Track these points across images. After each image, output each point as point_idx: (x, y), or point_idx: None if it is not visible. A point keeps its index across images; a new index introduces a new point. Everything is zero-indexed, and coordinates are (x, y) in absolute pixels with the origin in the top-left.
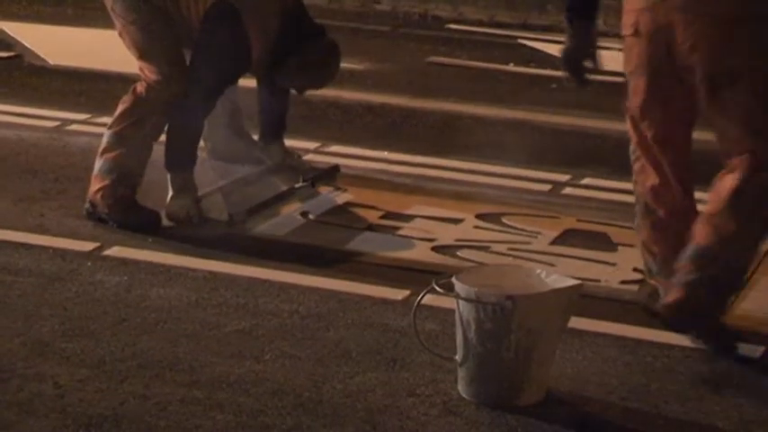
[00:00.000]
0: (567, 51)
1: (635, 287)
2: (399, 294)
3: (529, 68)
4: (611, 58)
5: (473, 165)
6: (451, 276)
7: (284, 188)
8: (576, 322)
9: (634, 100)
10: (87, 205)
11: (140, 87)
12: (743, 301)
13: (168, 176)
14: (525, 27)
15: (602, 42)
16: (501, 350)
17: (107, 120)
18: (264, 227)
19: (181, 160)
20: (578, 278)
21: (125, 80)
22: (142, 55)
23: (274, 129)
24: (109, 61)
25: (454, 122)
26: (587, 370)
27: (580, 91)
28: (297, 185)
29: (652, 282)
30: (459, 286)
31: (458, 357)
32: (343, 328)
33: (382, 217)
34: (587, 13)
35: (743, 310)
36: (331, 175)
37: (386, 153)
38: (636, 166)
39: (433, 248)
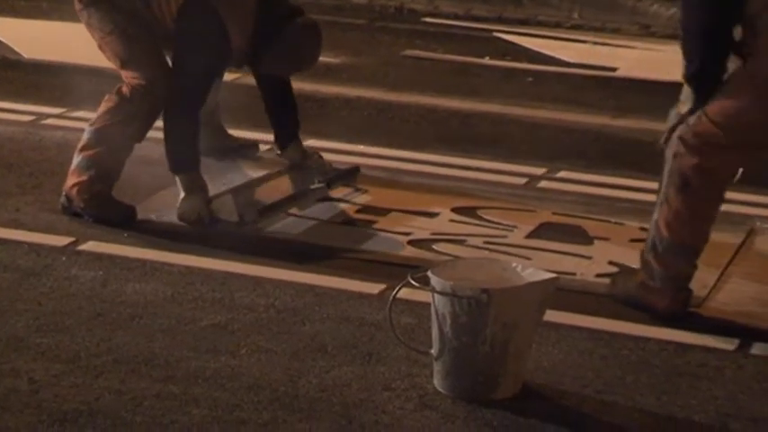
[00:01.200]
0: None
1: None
2: (375, 288)
3: (504, 62)
4: (587, 51)
5: (449, 158)
6: (427, 270)
7: (299, 189)
8: (552, 315)
9: None
10: (63, 199)
11: (126, 89)
12: (718, 294)
13: (176, 179)
14: (501, 20)
15: (577, 35)
16: (477, 344)
17: (82, 114)
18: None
19: (183, 161)
20: (554, 271)
21: (100, 74)
22: (124, 64)
23: (287, 129)
24: (84, 55)
25: (430, 116)
26: (563, 363)
27: (556, 84)
28: (312, 186)
29: None
30: (434, 280)
31: (433, 351)
32: (319, 322)
33: (358, 211)
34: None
35: (718, 303)
36: (351, 175)
37: (362, 147)
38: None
39: (409, 242)
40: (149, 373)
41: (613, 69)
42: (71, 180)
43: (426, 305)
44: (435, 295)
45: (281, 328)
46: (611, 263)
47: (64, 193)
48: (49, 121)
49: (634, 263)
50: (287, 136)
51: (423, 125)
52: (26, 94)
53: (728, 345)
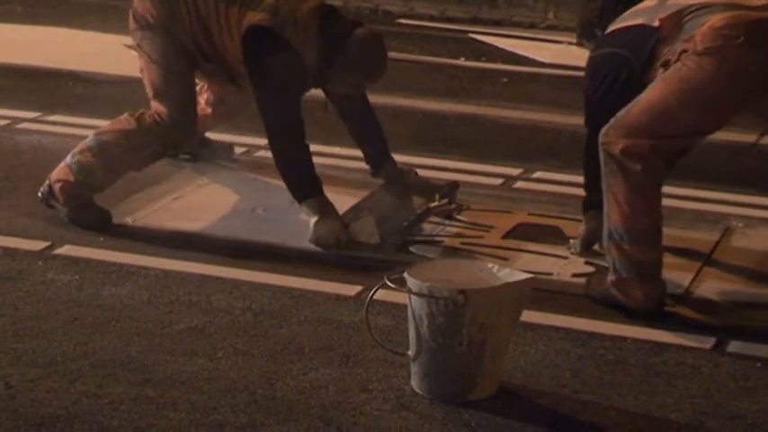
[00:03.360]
0: (585, 236)
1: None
2: (352, 290)
3: (480, 63)
4: (562, 52)
5: (425, 159)
6: (404, 271)
7: (421, 208)
8: (529, 316)
9: None
10: (44, 188)
11: (148, 119)
12: (694, 293)
13: (302, 207)
14: (476, 21)
15: (552, 36)
16: (454, 345)
17: (58, 118)
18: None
19: (307, 188)
20: (530, 272)
21: (75, 78)
22: (156, 95)
23: (376, 147)
24: (58, 59)
25: (406, 117)
26: (540, 363)
27: (531, 84)
28: (433, 204)
29: None
30: (411, 281)
31: (411, 352)
32: (296, 324)
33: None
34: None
35: (694, 302)
36: (452, 191)
37: (338, 149)
38: None
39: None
40: (126, 377)
41: None
42: (58, 174)
43: (403, 306)
44: (412, 297)
45: (258, 331)
46: (587, 263)
47: (47, 182)
48: (24, 125)
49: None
50: (378, 155)
51: (398, 126)
52: (1, 99)
53: (705, 343)
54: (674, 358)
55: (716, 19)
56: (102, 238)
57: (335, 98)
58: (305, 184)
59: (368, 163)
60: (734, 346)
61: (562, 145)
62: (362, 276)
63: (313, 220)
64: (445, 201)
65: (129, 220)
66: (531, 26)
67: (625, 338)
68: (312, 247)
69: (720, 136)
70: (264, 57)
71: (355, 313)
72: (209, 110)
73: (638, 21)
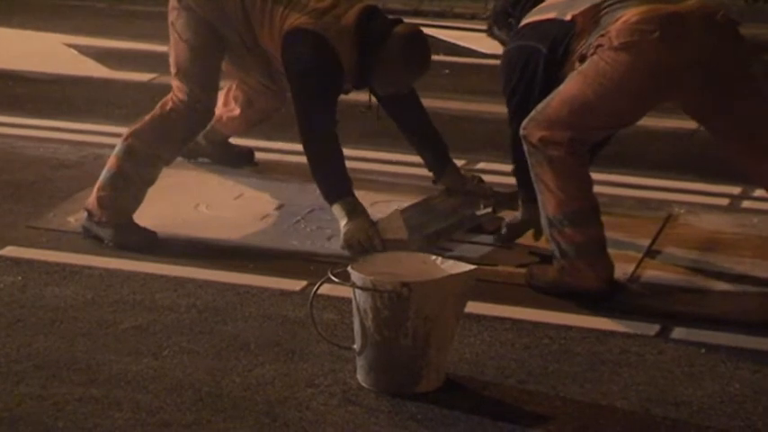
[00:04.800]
0: (512, 224)
1: None
2: (297, 285)
3: None
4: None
5: (366, 152)
6: (348, 265)
7: (464, 215)
8: (474, 307)
9: None
10: (84, 218)
11: (170, 102)
12: (638, 280)
13: (333, 209)
14: (417, 13)
15: None
16: (399, 337)
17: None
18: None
19: (337, 189)
20: (474, 263)
21: (16, 77)
22: (178, 72)
23: (436, 154)
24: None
25: (349, 111)
26: (485, 354)
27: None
28: (479, 212)
29: None
30: (355, 275)
31: (356, 346)
32: (241, 320)
33: (277, 208)
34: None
35: (637, 289)
36: (513, 200)
37: (280, 143)
38: None
39: (329, 238)
40: (71, 378)
41: None
42: (94, 194)
43: (348, 301)
44: (356, 290)
45: (202, 328)
46: (531, 252)
47: (84, 209)
48: None
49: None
50: (439, 162)
51: (342, 120)
52: None
53: (649, 330)
54: (619, 346)
55: (630, 14)
56: (45, 239)
57: (386, 103)
58: (335, 186)
59: (429, 170)
60: (678, 333)
61: (505, 135)
62: (307, 271)
63: (342, 222)
64: (489, 210)
65: (71, 220)
66: (473, 17)
67: (570, 327)
68: (256, 242)
69: (661, 123)
70: (304, 59)
71: (300, 308)
72: (237, 110)
73: (551, 15)
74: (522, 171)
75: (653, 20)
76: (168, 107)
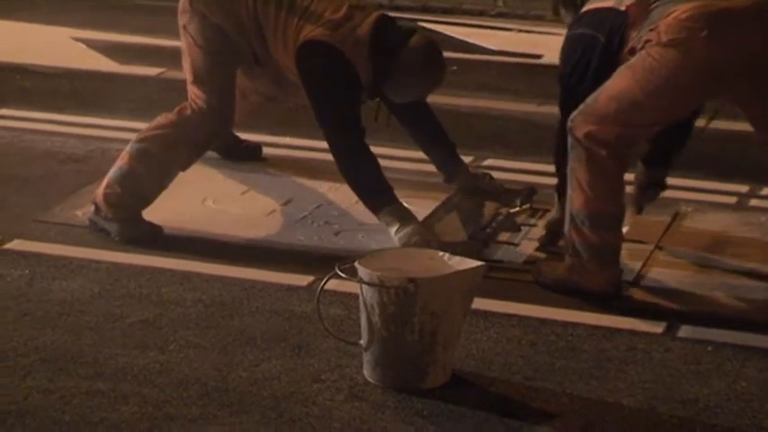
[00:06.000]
0: (552, 222)
1: None
2: (303, 280)
3: None
4: (511, 39)
5: (374, 149)
6: (355, 261)
7: (499, 213)
8: (480, 303)
9: None
10: (90, 211)
11: (187, 109)
12: (645, 278)
13: (380, 218)
14: (426, 10)
15: (502, 23)
16: (405, 333)
17: (6, 112)
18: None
19: (382, 198)
20: (481, 259)
21: (23, 71)
22: (195, 79)
23: (445, 155)
24: (6, 52)
25: None
26: (492, 350)
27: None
28: (513, 210)
29: None
30: (362, 271)
31: (362, 342)
32: (248, 315)
33: (284, 203)
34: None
35: (645, 287)
36: (529, 196)
37: (288, 139)
38: None
39: (337, 233)
40: (77, 371)
41: (538, 57)
42: (102, 189)
43: (355, 296)
44: (363, 286)
45: (209, 323)
46: (537, 249)
47: (91, 204)
48: None
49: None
50: (450, 162)
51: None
52: None
53: (656, 328)
54: (626, 343)
55: (681, 9)
56: (52, 233)
57: (394, 107)
58: (377, 195)
59: (438, 170)
60: (685, 331)
61: (512, 132)
62: (314, 266)
63: (393, 229)
64: (527, 206)
65: (79, 214)
66: (481, 14)
67: (577, 324)
68: (263, 238)
69: None
70: (319, 71)
71: (307, 303)
72: None
73: (609, 3)
74: (562, 162)
75: (702, 17)
76: (186, 114)
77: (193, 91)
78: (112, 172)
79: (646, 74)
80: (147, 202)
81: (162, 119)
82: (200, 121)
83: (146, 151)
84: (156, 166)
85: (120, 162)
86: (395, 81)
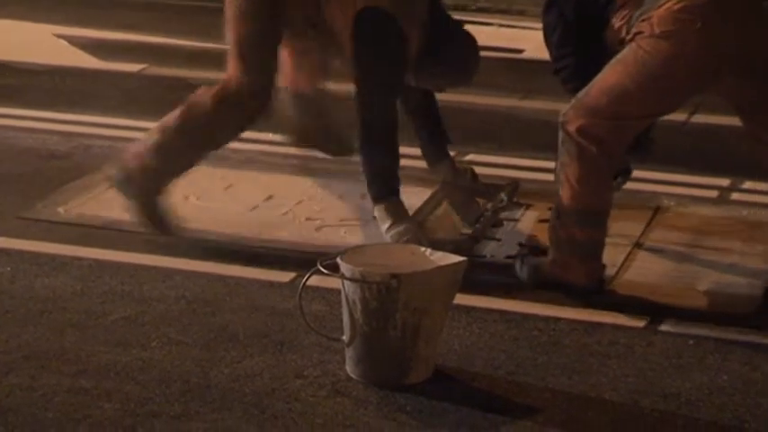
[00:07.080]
0: None
1: None
2: (285, 276)
3: None
4: (493, 34)
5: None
6: (337, 257)
7: (486, 209)
8: (463, 298)
9: None
10: (118, 173)
11: (227, 85)
12: (627, 272)
13: (376, 210)
14: None
15: (483, 18)
16: (387, 329)
17: None
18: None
19: (386, 187)
20: (463, 254)
21: (5, 68)
22: (240, 51)
23: (437, 144)
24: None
25: (341, 104)
26: (474, 346)
27: None
28: (500, 204)
29: None
30: (343, 266)
31: (345, 338)
32: (230, 312)
33: (266, 199)
34: None
35: (627, 281)
36: (513, 191)
37: (270, 135)
38: None
39: (318, 229)
40: (60, 369)
41: (520, 51)
42: (134, 157)
43: (337, 292)
44: (345, 282)
45: (191, 320)
46: (520, 244)
47: (120, 168)
48: None
49: (543, 243)
50: (438, 151)
51: (334, 113)
52: None
53: (638, 322)
54: (608, 338)
55: (674, 0)
56: (35, 230)
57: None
58: (384, 183)
59: (426, 158)
60: (666, 325)
61: (494, 127)
62: (296, 262)
63: (385, 225)
64: (513, 202)
65: (60, 210)
66: (462, 9)
67: (559, 319)
68: (245, 234)
69: None
70: (375, 42)
71: (289, 300)
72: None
73: None
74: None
75: (696, 9)
76: (225, 90)
77: (233, 65)
78: (148, 141)
79: (638, 66)
80: (177, 173)
81: (201, 96)
82: (240, 98)
83: (184, 127)
84: (191, 142)
85: (157, 135)
86: (435, 67)
